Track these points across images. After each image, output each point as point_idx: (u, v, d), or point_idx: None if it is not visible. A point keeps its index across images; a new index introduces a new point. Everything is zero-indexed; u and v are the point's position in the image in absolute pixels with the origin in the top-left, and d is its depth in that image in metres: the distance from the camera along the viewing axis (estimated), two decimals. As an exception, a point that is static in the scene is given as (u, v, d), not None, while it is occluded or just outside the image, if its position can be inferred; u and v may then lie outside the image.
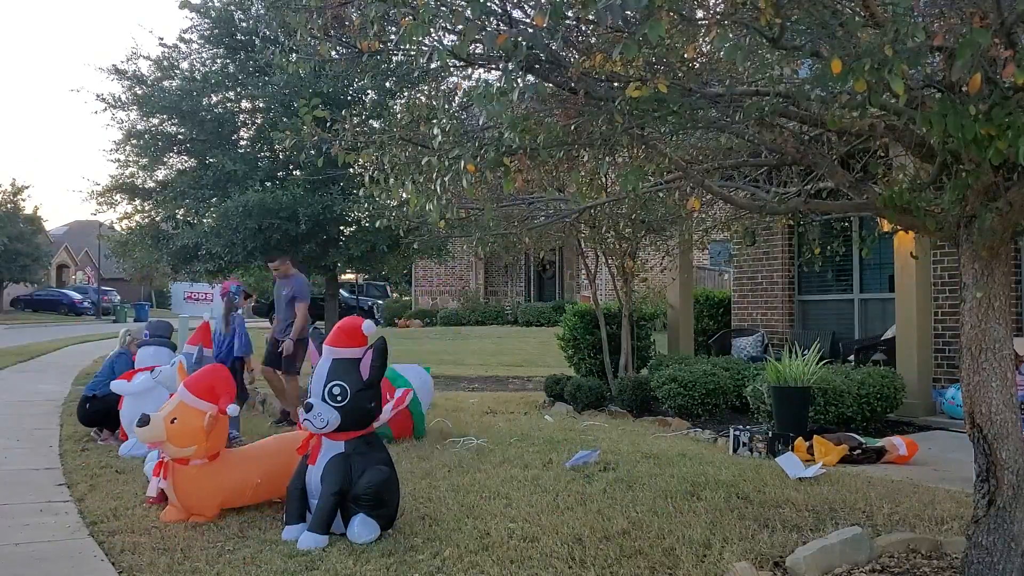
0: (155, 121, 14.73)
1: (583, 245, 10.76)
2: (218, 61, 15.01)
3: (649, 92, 2.89)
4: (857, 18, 2.67)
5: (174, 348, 7.84)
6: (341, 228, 14.58)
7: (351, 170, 4.49)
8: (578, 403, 9.39)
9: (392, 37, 3.74)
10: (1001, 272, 3.29)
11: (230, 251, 13.63)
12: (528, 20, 3.15)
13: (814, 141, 4.15)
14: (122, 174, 15.31)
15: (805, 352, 7.41)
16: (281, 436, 5.38)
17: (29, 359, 15.43)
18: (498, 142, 3.45)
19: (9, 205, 40.96)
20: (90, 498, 5.25)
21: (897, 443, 6.47)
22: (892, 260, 9.00)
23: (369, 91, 14.35)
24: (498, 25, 3.07)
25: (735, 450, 6.84)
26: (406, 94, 12.59)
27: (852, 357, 9.38)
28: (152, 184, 15.32)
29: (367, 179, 4.12)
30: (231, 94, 14.87)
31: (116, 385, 6.96)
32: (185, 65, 15.10)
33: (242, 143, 14.88)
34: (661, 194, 6.42)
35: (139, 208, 15.45)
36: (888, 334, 9.32)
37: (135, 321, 37.23)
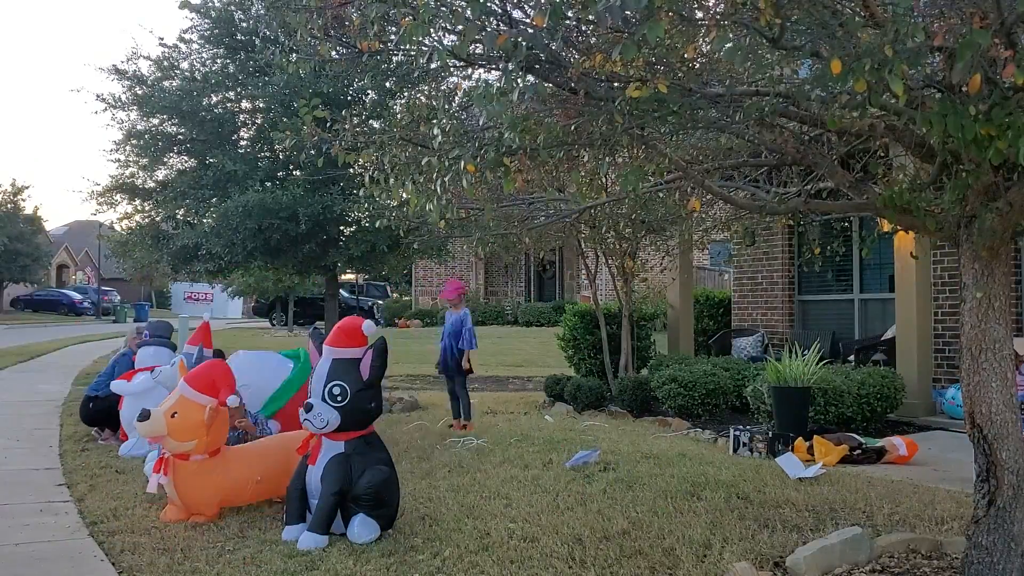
0: (155, 121, 14.73)
1: (583, 245, 10.76)
2: (218, 61, 15.01)
3: (649, 92, 2.89)
4: (857, 18, 2.67)
5: (174, 348, 7.83)
6: (341, 228, 14.58)
7: (351, 170, 4.50)
8: (578, 403, 9.39)
9: (392, 37, 3.74)
10: (1001, 272, 3.29)
11: (230, 251, 13.63)
12: (528, 20, 3.14)
13: (814, 141, 4.15)
14: (122, 174, 15.31)
15: (805, 352, 7.41)
16: (281, 435, 5.38)
17: (29, 359, 15.43)
18: (498, 142, 3.45)
19: (9, 205, 40.95)
20: (90, 498, 5.25)
21: (897, 443, 6.47)
22: (892, 260, 9.00)
23: (369, 91, 14.34)
24: (498, 25, 3.07)
25: (735, 450, 6.84)
26: (406, 94, 12.58)
27: (852, 357, 9.38)
28: (152, 184, 15.32)
29: (367, 179, 4.12)
30: (231, 94, 14.87)
31: (116, 385, 6.97)
32: (185, 65, 15.10)
33: (242, 143, 14.88)
34: (661, 194, 6.42)
35: (139, 208, 15.45)
36: (888, 334, 9.32)
37: (135, 321, 37.27)
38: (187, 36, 15.04)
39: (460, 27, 2.87)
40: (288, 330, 28.69)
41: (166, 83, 14.79)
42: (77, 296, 44.82)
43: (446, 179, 3.51)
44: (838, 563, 3.79)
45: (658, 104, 3.10)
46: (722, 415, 8.52)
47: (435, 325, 28.21)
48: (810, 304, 11.20)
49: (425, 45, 3.29)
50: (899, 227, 3.87)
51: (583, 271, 11.80)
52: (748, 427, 7.13)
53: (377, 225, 7.52)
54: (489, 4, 3.05)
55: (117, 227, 17.57)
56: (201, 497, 4.68)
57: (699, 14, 3.13)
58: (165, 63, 14.98)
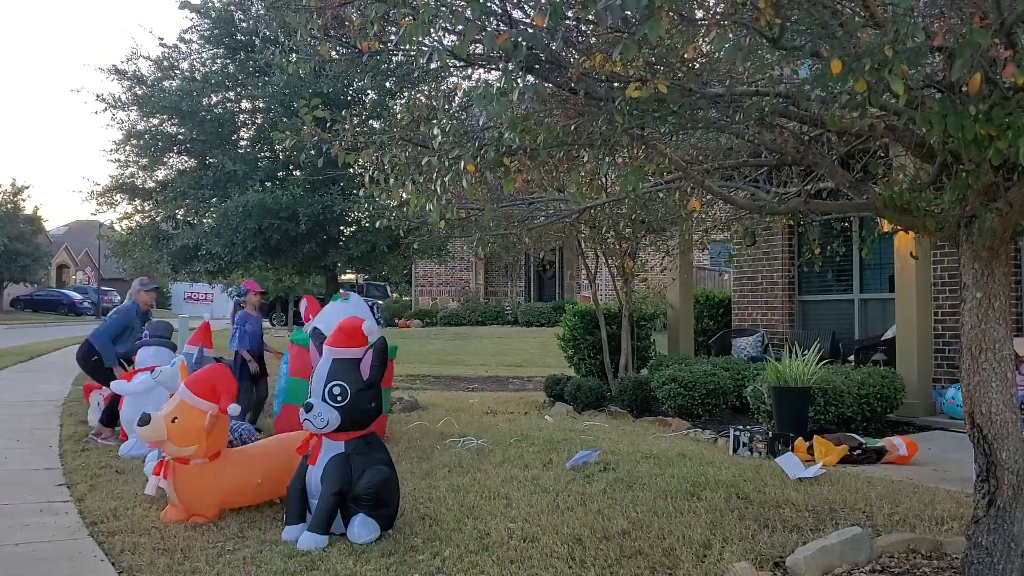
0: (155, 121, 14.75)
1: (583, 245, 10.76)
2: (218, 61, 15.02)
3: (649, 92, 2.89)
4: (857, 18, 2.67)
5: (174, 348, 7.83)
6: (341, 228, 14.59)
7: (351, 170, 4.49)
8: (578, 403, 9.39)
9: (392, 37, 3.74)
10: (1001, 272, 3.29)
11: (230, 251, 13.64)
12: (528, 20, 3.15)
13: (814, 141, 4.15)
14: (122, 174, 15.34)
15: (805, 352, 7.41)
16: (281, 436, 5.38)
17: (29, 359, 15.42)
18: (498, 142, 3.45)
19: (9, 205, 40.95)
20: (90, 498, 5.25)
21: (897, 443, 6.47)
22: (892, 260, 9.00)
23: (369, 91, 14.36)
24: (498, 25, 3.07)
25: (735, 450, 6.84)
26: (406, 94, 12.59)
27: (852, 357, 9.38)
28: (152, 184, 15.34)
29: (367, 179, 4.12)
30: (231, 94, 14.88)
31: (116, 385, 6.97)
32: (185, 65, 15.12)
33: (242, 143, 14.89)
34: (661, 194, 6.42)
35: (139, 208, 15.47)
36: (888, 334, 9.32)
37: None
38: (187, 36, 15.06)
39: (460, 27, 2.87)
40: (288, 330, 28.69)
41: (166, 83, 14.81)
42: (77, 296, 44.81)
43: (446, 179, 3.51)
44: (838, 563, 3.79)
45: (658, 104, 3.10)
46: (722, 415, 8.52)
47: (435, 325, 28.24)
48: (810, 304, 11.20)
49: (425, 45, 3.29)
50: (899, 227, 3.87)
51: (583, 271, 11.80)
52: (748, 427, 7.13)
53: (377, 225, 7.54)
54: (489, 4, 3.05)
55: (117, 227, 17.59)
56: (201, 499, 4.68)
57: (699, 14, 3.13)
58: (165, 63, 15.00)
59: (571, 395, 9.52)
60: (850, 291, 10.59)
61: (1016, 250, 8.49)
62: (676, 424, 8.14)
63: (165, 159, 15.13)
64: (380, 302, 33.30)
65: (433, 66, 3.64)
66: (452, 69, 4.04)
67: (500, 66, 3.25)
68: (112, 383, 6.92)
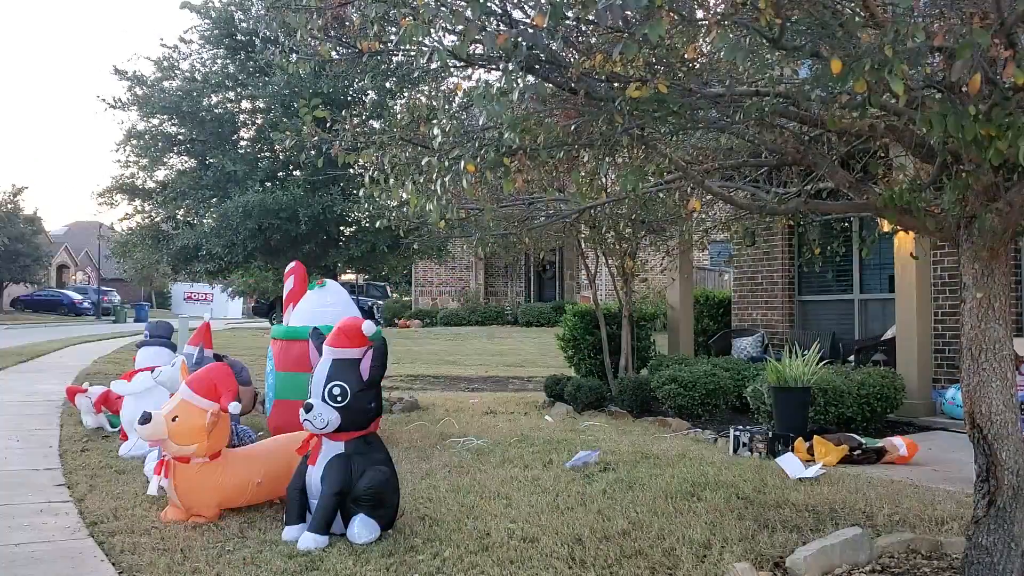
0: (155, 121, 14.76)
1: (583, 245, 10.76)
2: (218, 61, 15.03)
3: (649, 92, 2.89)
4: (857, 18, 2.68)
5: (174, 348, 7.83)
6: (341, 228, 14.60)
7: (351, 170, 4.49)
8: (578, 403, 9.39)
9: (392, 37, 3.74)
10: (1001, 273, 3.29)
11: (230, 251, 13.65)
12: (528, 20, 3.14)
13: (814, 141, 4.15)
14: (122, 174, 15.34)
15: (805, 352, 7.41)
16: (281, 436, 5.37)
17: (29, 359, 15.42)
18: (498, 142, 3.44)
19: (9, 206, 40.96)
20: (90, 498, 5.24)
21: (897, 443, 6.47)
22: (892, 260, 9.00)
23: (369, 91, 14.36)
24: (498, 25, 3.07)
25: (735, 450, 6.84)
26: (406, 94, 12.60)
27: (852, 357, 9.38)
28: (152, 184, 15.34)
29: (367, 179, 4.12)
30: (231, 94, 14.89)
31: (116, 385, 6.97)
32: (185, 66, 15.13)
33: (242, 143, 14.90)
34: (661, 194, 6.42)
35: (139, 208, 15.48)
36: (888, 334, 9.32)
37: (135, 321, 37.25)
38: (187, 36, 15.06)
39: (460, 27, 2.87)
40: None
41: (166, 83, 14.81)
42: (77, 296, 44.83)
43: (446, 179, 3.51)
44: (838, 563, 3.79)
45: (658, 104, 3.10)
46: (722, 415, 8.52)
47: (435, 325, 28.25)
48: (810, 304, 11.21)
49: (425, 45, 3.28)
50: (899, 227, 3.87)
51: (583, 271, 11.80)
52: (748, 427, 7.13)
53: (377, 225, 7.54)
54: (489, 4, 3.04)
55: (117, 227, 17.60)
56: (201, 499, 4.68)
57: (699, 14, 3.13)
58: (165, 63, 15.00)
59: (571, 395, 9.52)
60: (850, 291, 10.59)
61: (1016, 250, 8.49)
62: (676, 424, 8.14)
63: (165, 159, 15.14)
64: (380, 302, 33.32)
65: (433, 66, 3.63)
66: (452, 69, 4.04)
67: (500, 66, 3.25)
68: (112, 383, 6.92)
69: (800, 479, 5.59)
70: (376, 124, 12.50)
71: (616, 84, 3.19)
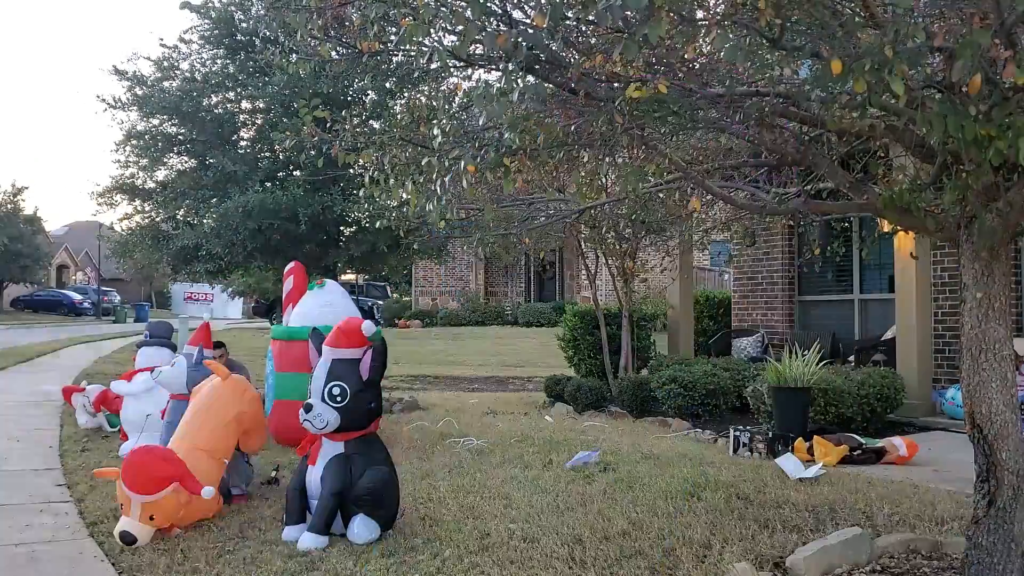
0: (155, 122, 14.75)
1: (583, 246, 10.76)
2: (218, 62, 15.03)
3: (649, 93, 2.89)
4: (857, 19, 2.67)
5: (175, 349, 7.83)
6: (341, 228, 14.61)
7: (351, 171, 4.49)
8: (578, 403, 9.39)
9: (392, 37, 3.74)
10: (1001, 272, 3.29)
11: (230, 251, 13.65)
12: (528, 21, 3.14)
13: (814, 142, 4.15)
14: (122, 174, 15.33)
15: (805, 353, 7.41)
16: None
17: (29, 359, 15.42)
18: (498, 143, 3.44)
19: (9, 206, 40.95)
20: (90, 498, 5.24)
21: (897, 443, 6.47)
22: (892, 260, 9.00)
23: (369, 92, 14.36)
24: (498, 25, 3.07)
25: (735, 451, 6.84)
26: (406, 94, 12.60)
27: (852, 357, 9.38)
28: (152, 185, 15.34)
29: (367, 179, 4.12)
30: (231, 95, 14.89)
31: (115, 385, 6.97)
32: (185, 66, 15.13)
33: (242, 144, 14.89)
34: (661, 195, 6.41)
35: (139, 209, 15.47)
36: (888, 334, 9.32)
37: (135, 321, 37.24)
38: (187, 37, 15.06)
39: (460, 27, 2.87)
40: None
41: (166, 83, 14.81)
42: (77, 296, 44.80)
43: (446, 179, 3.51)
44: (838, 563, 3.79)
45: (658, 104, 3.10)
46: (722, 415, 8.51)
47: (435, 325, 28.25)
48: (810, 304, 11.20)
49: (425, 45, 3.28)
50: (899, 227, 3.87)
51: (583, 271, 11.80)
52: (748, 427, 7.13)
53: (377, 225, 7.54)
54: (489, 4, 3.04)
55: (117, 227, 17.59)
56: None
57: (699, 14, 3.13)
58: (165, 64, 15.00)
59: (571, 395, 9.52)
60: (850, 291, 10.59)
61: (1016, 250, 8.49)
62: (676, 424, 8.14)
63: (165, 159, 15.13)
64: (380, 302, 33.31)
65: (433, 66, 3.63)
66: (452, 69, 4.03)
67: (500, 66, 3.25)
68: (112, 383, 6.92)
69: (800, 479, 5.59)
70: (376, 124, 12.51)
71: (616, 84, 3.19)
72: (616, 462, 6.17)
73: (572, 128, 3.51)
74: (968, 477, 4.25)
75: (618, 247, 9.70)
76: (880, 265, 10.14)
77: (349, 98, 14.21)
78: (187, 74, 14.87)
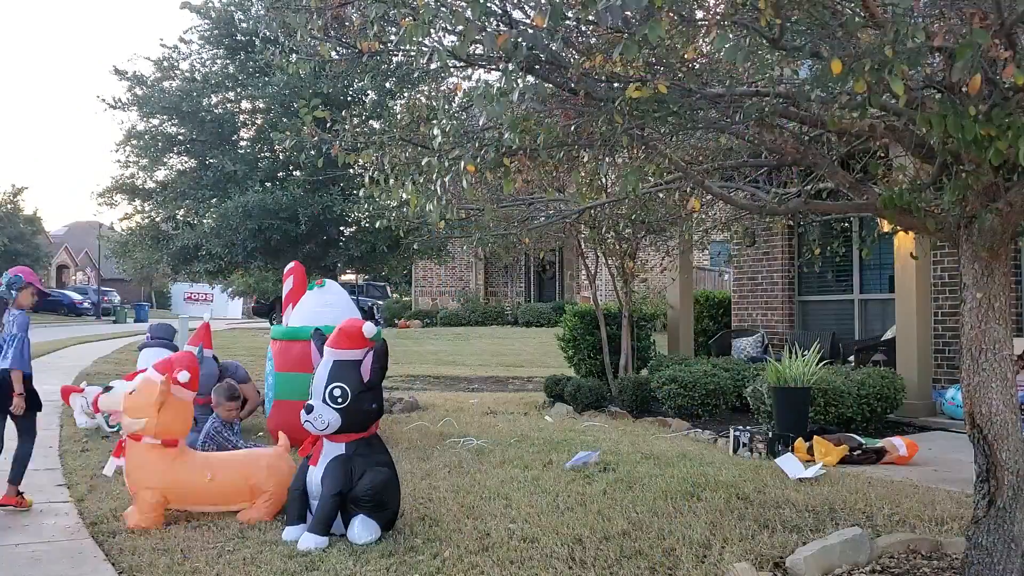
0: (155, 122, 14.75)
1: (583, 246, 10.76)
2: (218, 62, 15.02)
3: (649, 93, 2.89)
4: (857, 19, 2.67)
5: (176, 350, 7.82)
6: (341, 229, 14.59)
7: (351, 171, 4.50)
8: (578, 403, 9.39)
9: (392, 38, 3.74)
10: (1001, 273, 3.29)
11: (230, 252, 13.65)
12: (528, 21, 3.14)
13: (814, 142, 4.15)
14: (122, 175, 15.33)
15: (805, 353, 7.41)
16: (249, 451, 5.28)
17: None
18: (498, 143, 3.44)
19: (9, 206, 40.95)
20: (90, 498, 5.25)
21: (897, 444, 6.47)
22: (892, 260, 9.00)
23: (369, 92, 14.35)
24: (498, 26, 3.07)
25: (735, 451, 6.84)
26: (406, 95, 12.59)
27: (852, 358, 9.38)
28: (152, 185, 15.33)
29: (367, 179, 4.12)
30: (231, 95, 14.88)
31: (116, 385, 6.94)
32: (185, 66, 15.12)
33: (242, 144, 14.88)
34: (661, 195, 6.42)
35: (139, 209, 15.45)
36: (888, 335, 9.32)
37: (135, 322, 37.23)
38: (187, 36, 15.05)
39: (460, 27, 2.87)
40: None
41: (166, 84, 14.80)
42: (77, 296, 44.76)
43: (446, 179, 3.51)
44: (838, 563, 3.79)
45: (658, 104, 3.10)
46: (722, 415, 8.51)
47: (435, 325, 28.24)
48: (810, 304, 11.20)
49: (425, 45, 3.28)
50: (899, 227, 3.87)
51: (583, 271, 11.79)
52: (748, 427, 7.13)
53: (377, 225, 7.55)
54: (489, 4, 3.04)
55: (117, 227, 17.60)
56: (146, 478, 4.63)
57: (699, 14, 3.13)
58: (165, 63, 15.00)
59: (571, 395, 9.52)
60: (850, 291, 10.59)
61: (1016, 250, 8.49)
62: (676, 424, 8.14)
63: (165, 159, 15.11)
64: (380, 302, 33.30)
65: (433, 66, 3.63)
66: (452, 69, 4.04)
67: (500, 66, 3.25)
68: (112, 383, 6.90)
69: (800, 479, 5.59)
70: (376, 124, 12.50)
71: (616, 84, 3.19)
72: (616, 462, 6.17)
73: (572, 128, 3.51)
74: (968, 477, 4.25)
75: (618, 247, 9.70)
76: (880, 265, 10.14)
77: (349, 98, 14.20)
78: (187, 74, 14.86)
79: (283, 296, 7.99)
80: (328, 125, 4.57)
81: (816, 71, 2.76)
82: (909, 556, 3.95)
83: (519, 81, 2.99)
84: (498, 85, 3.02)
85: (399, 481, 4.57)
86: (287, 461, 4.97)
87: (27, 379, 5.13)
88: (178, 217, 14.87)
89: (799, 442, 6.50)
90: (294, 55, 4.22)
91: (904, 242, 7.75)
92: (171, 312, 47.38)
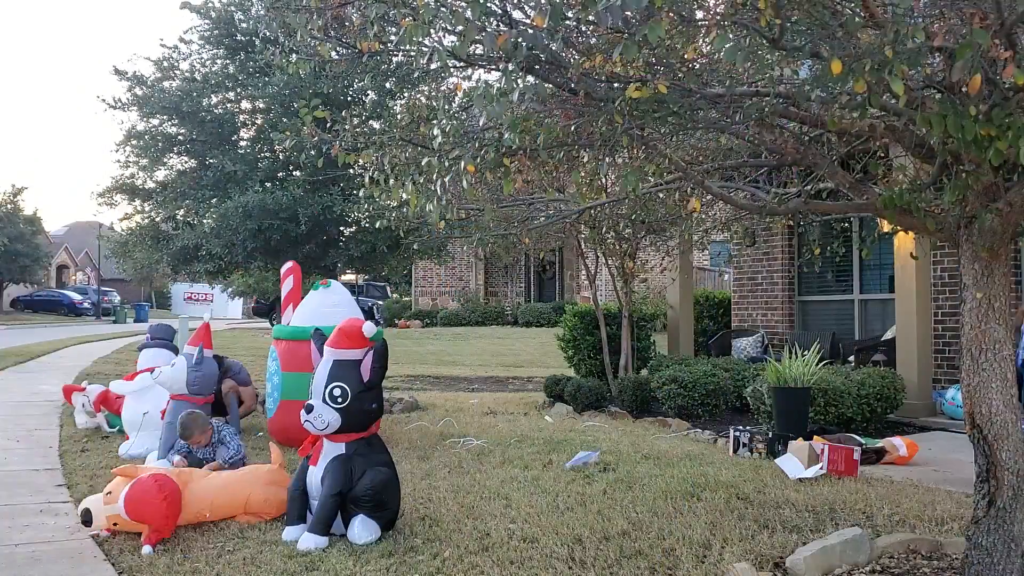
0: (155, 122, 14.76)
1: (583, 246, 10.76)
2: (218, 62, 15.04)
3: (649, 93, 2.89)
4: (857, 19, 2.67)
5: (176, 351, 7.83)
6: (341, 229, 14.61)
7: (351, 171, 4.49)
8: (578, 404, 9.39)
9: (392, 38, 3.74)
10: (1001, 273, 3.29)
11: (230, 252, 13.66)
12: (528, 21, 3.14)
13: (814, 142, 4.15)
14: (122, 175, 15.34)
15: (805, 353, 7.41)
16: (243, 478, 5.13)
17: (29, 359, 15.41)
18: (498, 143, 3.44)
19: (9, 206, 40.94)
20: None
21: (897, 444, 6.47)
22: (892, 260, 9.00)
23: (369, 92, 14.36)
24: (498, 26, 3.07)
25: (735, 451, 6.83)
26: (406, 95, 12.60)
27: (852, 358, 9.38)
28: (152, 185, 15.35)
29: (367, 180, 4.12)
30: (231, 95, 14.89)
31: (116, 385, 6.96)
32: (185, 66, 15.14)
33: (242, 144, 14.89)
34: (661, 195, 6.41)
35: (139, 209, 15.47)
36: (888, 335, 9.32)
37: (135, 322, 37.23)
38: (187, 37, 15.07)
39: (460, 28, 2.87)
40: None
41: (166, 84, 14.82)
42: (77, 297, 44.79)
43: (446, 179, 3.51)
44: (838, 564, 3.79)
45: (658, 104, 3.10)
46: (722, 416, 8.52)
47: (435, 326, 28.24)
48: (810, 304, 11.20)
49: (425, 46, 3.28)
50: (899, 227, 3.87)
51: (583, 272, 11.80)
52: (748, 428, 7.13)
53: (377, 226, 7.55)
54: (489, 4, 3.04)
55: (117, 228, 17.60)
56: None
57: (699, 15, 3.13)
58: (165, 64, 15.01)
59: (571, 395, 9.52)
60: (850, 291, 10.59)
61: (1016, 250, 8.49)
62: (676, 425, 8.14)
63: (165, 160, 15.14)
64: (380, 302, 33.29)
65: (433, 66, 3.63)
66: (452, 69, 4.04)
67: (500, 66, 3.25)
68: (112, 383, 6.93)
69: (800, 479, 5.59)
70: (376, 124, 12.50)
71: (616, 84, 3.19)
72: (616, 462, 6.17)
73: (572, 128, 3.51)
74: (968, 477, 4.25)
75: (618, 247, 9.70)
76: (880, 265, 10.14)
77: (349, 98, 14.21)
78: (187, 74, 14.88)
79: (282, 296, 7.98)
80: (328, 125, 4.57)
81: (816, 71, 2.77)
82: (909, 556, 3.96)
83: (519, 81, 2.99)
84: (498, 85, 3.02)
85: (399, 481, 4.57)
86: (284, 480, 4.84)
87: None
88: (178, 217, 14.88)
89: (799, 442, 6.49)
90: (294, 55, 4.22)
91: (904, 242, 7.75)
92: (171, 312, 47.39)
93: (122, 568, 3.93)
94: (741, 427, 7.15)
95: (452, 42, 3.21)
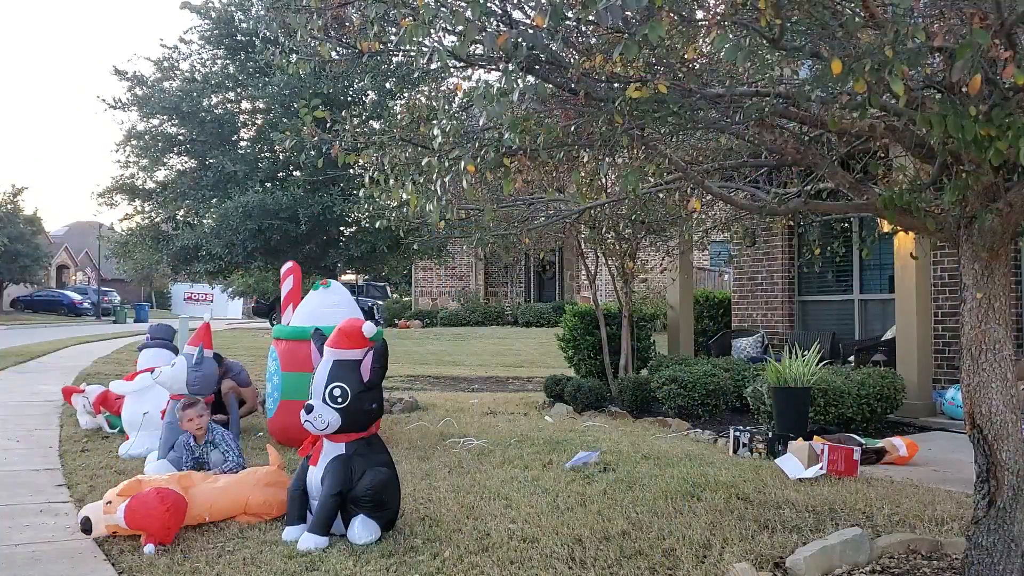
0: (155, 122, 14.76)
1: (583, 246, 10.76)
2: (218, 62, 15.04)
3: (649, 93, 2.89)
4: (857, 19, 2.67)
5: (176, 351, 7.82)
6: (341, 229, 14.61)
7: (351, 171, 4.49)
8: (578, 404, 9.39)
9: (392, 38, 3.74)
10: (1001, 273, 3.29)
11: (230, 252, 13.67)
12: (528, 21, 3.15)
13: (814, 142, 4.15)
14: (122, 175, 15.34)
15: (805, 353, 7.41)
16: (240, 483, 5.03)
17: (29, 359, 15.41)
18: (498, 143, 3.44)
19: (9, 206, 40.94)
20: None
21: (897, 444, 6.47)
22: (892, 261, 9.00)
23: (369, 92, 14.37)
24: (498, 26, 3.07)
25: (735, 451, 6.84)
26: (406, 95, 12.60)
27: (852, 358, 9.38)
28: (152, 185, 15.35)
29: (367, 180, 4.12)
30: (231, 95, 14.90)
31: (116, 385, 6.95)
32: (185, 66, 15.14)
33: (242, 144, 14.90)
34: (661, 195, 6.41)
35: (139, 209, 15.48)
36: (888, 335, 9.32)
37: (135, 322, 37.23)
38: (187, 37, 15.08)
39: (460, 27, 2.87)
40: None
41: (166, 84, 14.82)
42: (77, 297, 44.80)
43: (446, 179, 3.51)
44: (838, 564, 3.79)
45: (658, 105, 3.10)
46: (722, 416, 8.52)
47: (435, 326, 28.24)
48: (810, 304, 11.21)
49: (425, 46, 3.28)
50: (899, 228, 3.87)
51: (583, 272, 11.80)
52: (748, 428, 7.13)
53: (377, 226, 7.56)
54: (489, 4, 3.04)
55: (117, 228, 17.62)
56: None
57: (699, 15, 3.13)
58: (165, 64, 15.02)
59: (571, 396, 9.52)
60: (850, 292, 10.59)
61: (1016, 250, 8.49)
62: (676, 425, 8.14)
63: (165, 160, 15.14)
64: (380, 302, 33.29)
65: (433, 66, 3.63)
66: (452, 69, 4.03)
67: (500, 66, 3.25)
68: (112, 383, 6.93)
69: (800, 479, 5.59)
70: (376, 124, 12.51)
71: (616, 84, 3.19)
72: (616, 462, 6.17)
73: (572, 128, 3.51)
74: (968, 477, 4.26)
75: (618, 247, 9.70)
76: (880, 265, 10.14)
77: (349, 98, 14.21)
78: (187, 74, 14.88)
79: (282, 296, 7.97)
80: (328, 125, 4.57)
81: (816, 71, 2.77)
82: (909, 556, 3.96)
83: (519, 81, 2.99)
84: (498, 85, 3.02)
85: (399, 481, 4.57)
86: (283, 481, 4.83)
87: None
88: (178, 217, 14.89)
89: (799, 442, 6.49)
90: (294, 55, 4.22)
91: (904, 242, 7.75)
92: (171, 312, 47.39)
93: (122, 568, 3.93)
94: (741, 427, 7.15)
95: (452, 42, 3.21)
